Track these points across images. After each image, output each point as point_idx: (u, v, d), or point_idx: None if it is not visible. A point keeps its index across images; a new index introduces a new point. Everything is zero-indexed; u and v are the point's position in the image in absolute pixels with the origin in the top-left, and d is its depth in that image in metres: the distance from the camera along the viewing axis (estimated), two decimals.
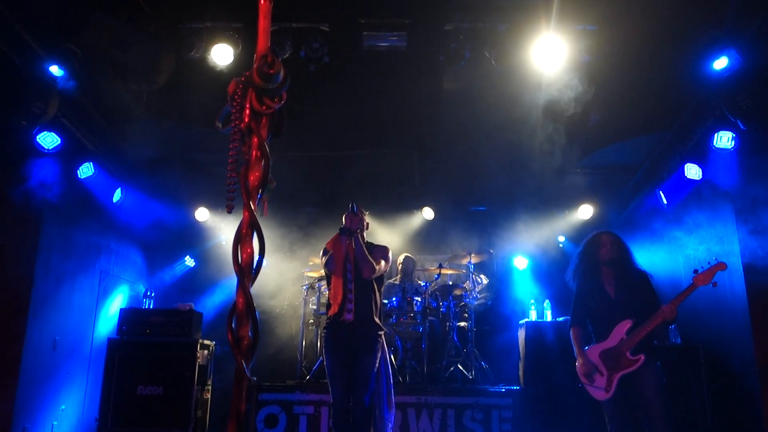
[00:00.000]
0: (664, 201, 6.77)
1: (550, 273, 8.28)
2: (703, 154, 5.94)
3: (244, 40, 5.81)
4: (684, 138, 6.35)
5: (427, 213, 8.77)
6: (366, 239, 4.71)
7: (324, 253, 4.64)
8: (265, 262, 1.50)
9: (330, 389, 4.34)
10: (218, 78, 5.81)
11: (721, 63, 5.30)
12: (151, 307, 6.97)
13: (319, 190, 8.30)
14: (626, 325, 4.12)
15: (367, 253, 4.53)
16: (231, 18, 5.82)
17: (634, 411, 4.12)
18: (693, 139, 6.17)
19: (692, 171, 6.13)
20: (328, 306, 4.58)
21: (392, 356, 6.52)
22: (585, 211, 8.31)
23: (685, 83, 5.94)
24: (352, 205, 4.60)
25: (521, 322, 6.34)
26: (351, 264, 4.46)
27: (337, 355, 4.37)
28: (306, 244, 7.98)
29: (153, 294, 7.24)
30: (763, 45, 5.18)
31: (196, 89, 6.01)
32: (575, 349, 4.34)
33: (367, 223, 4.78)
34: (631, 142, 7.28)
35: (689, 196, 6.44)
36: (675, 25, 5.39)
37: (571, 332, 4.41)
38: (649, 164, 7.30)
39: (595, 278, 4.41)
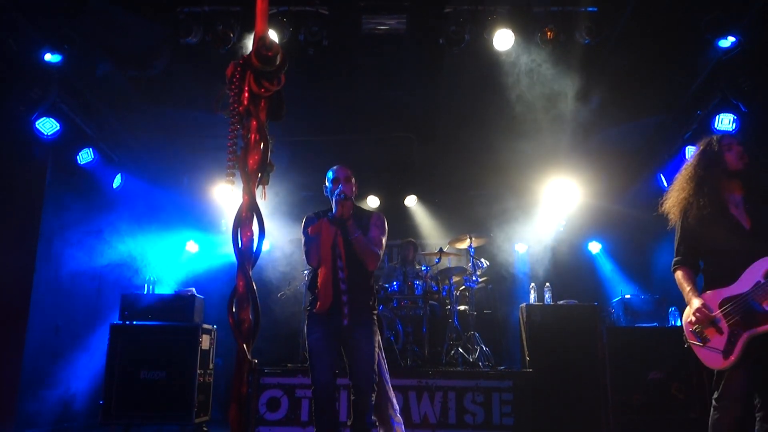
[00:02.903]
0: (665, 184, 6.76)
1: (550, 257, 8.30)
2: (704, 137, 5.91)
3: (243, 23, 5.77)
4: (685, 121, 6.33)
5: (410, 200, 9.09)
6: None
7: (305, 241, 3.73)
8: (265, 245, 1.50)
9: (312, 372, 3.58)
10: (217, 62, 5.78)
11: (724, 44, 5.27)
12: (153, 292, 7.00)
13: (317, 175, 8.29)
14: (766, 263, 2.93)
15: (366, 242, 3.69)
16: (229, 1, 5.77)
17: (760, 389, 2.93)
18: (694, 121, 6.15)
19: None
20: (313, 300, 3.72)
21: (393, 339, 6.55)
22: (585, 195, 8.30)
23: (687, 66, 5.92)
24: (341, 193, 3.65)
25: (522, 305, 6.36)
26: (342, 259, 3.63)
27: (325, 340, 3.60)
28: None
29: (155, 279, 7.26)
30: (765, 27, 5.14)
31: (194, 74, 5.99)
32: (686, 290, 3.18)
33: (356, 186, 3.88)
34: (632, 124, 7.26)
35: None
36: (677, 7, 5.35)
37: (676, 274, 3.28)
38: (651, 147, 7.28)
39: (717, 200, 3.17)
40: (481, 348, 6.62)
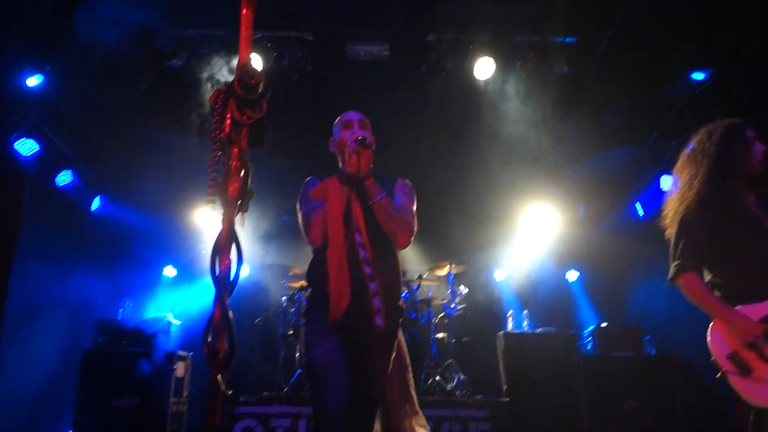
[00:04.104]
0: (641, 212, 6.87)
1: (529, 284, 8.34)
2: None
3: (227, 47, 5.80)
4: (660, 151, 6.45)
5: None
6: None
7: (304, 211, 2.77)
8: (243, 273, 1.49)
9: (319, 400, 2.46)
10: (200, 85, 5.79)
11: (698, 77, 5.42)
12: (129, 317, 6.88)
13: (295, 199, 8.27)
14: None
15: (395, 207, 2.74)
16: (214, 25, 5.81)
17: None
18: (670, 151, 6.28)
19: (668, 183, 6.23)
20: (316, 301, 2.67)
21: None
22: (563, 223, 8.38)
23: (663, 97, 6.05)
24: (359, 139, 2.72)
25: (499, 333, 6.36)
26: (362, 233, 2.60)
27: (340, 353, 2.54)
28: (285, 254, 7.94)
29: (131, 304, 7.15)
30: (738, 61, 5.29)
31: (177, 96, 5.99)
32: (710, 302, 2.62)
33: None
34: (610, 152, 7.39)
35: None
36: (652, 40, 5.48)
37: (684, 280, 2.68)
38: (627, 176, 7.40)
39: (735, 198, 2.72)
40: (459, 377, 6.60)
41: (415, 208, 2.94)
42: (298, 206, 2.86)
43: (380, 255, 2.64)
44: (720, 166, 2.74)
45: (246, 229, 1.52)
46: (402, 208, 2.80)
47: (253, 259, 7.92)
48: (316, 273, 2.69)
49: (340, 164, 2.99)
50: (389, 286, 2.66)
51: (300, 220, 2.80)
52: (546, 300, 8.40)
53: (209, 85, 5.72)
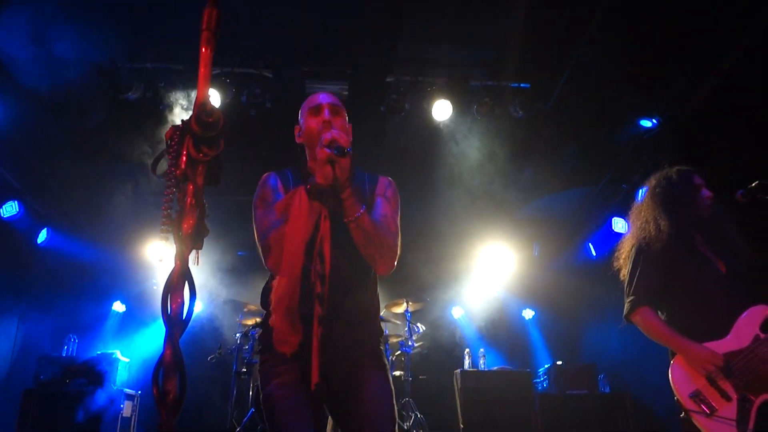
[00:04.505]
0: (593, 252, 7.03)
1: (485, 322, 8.39)
2: (629, 208, 6.24)
3: (185, 82, 5.77)
4: (611, 193, 6.66)
5: None
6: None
7: (259, 221, 2.33)
8: (196, 309, 1.46)
9: None
10: (156, 118, 5.73)
11: (646, 124, 5.66)
12: (74, 354, 6.61)
13: (252, 234, 8.19)
14: (761, 313, 2.60)
15: (377, 225, 2.23)
16: (173, 60, 5.78)
17: None
18: (620, 194, 6.48)
19: (619, 225, 6.41)
20: (268, 329, 2.21)
21: None
22: (519, 262, 8.51)
23: (613, 141, 6.28)
24: (334, 142, 2.10)
25: (456, 371, 6.35)
26: (323, 261, 1.95)
27: (297, 386, 2.15)
28: (240, 290, 7.81)
29: (77, 340, 6.88)
30: (682, 109, 5.55)
31: (132, 129, 5.91)
32: (668, 336, 2.64)
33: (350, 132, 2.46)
34: (563, 194, 7.58)
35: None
36: (603, 87, 5.71)
37: (639, 316, 2.73)
38: (580, 217, 7.59)
39: (687, 236, 2.81)
40: (416, 415, 6.53)
41: (399, 218, 2.40)
42: (254, 210, 2.39)
43: (346, 287, 2.20)
44: (671, 212, 2.88)
45: (201, 264, 1.49)
46: (383, 223, 2.26)
47: (207, 295, 7.75)
48: (267, 300, 2.23)
49: (309, 161, 2.41)
50: (350, 331, 2.21)
51: (255, 231, 2.33)
52: (503, 338, 8.45)
53: (166, 118, 5.67)
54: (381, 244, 2.22)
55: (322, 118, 2.37)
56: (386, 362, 2.35)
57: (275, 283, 2.15)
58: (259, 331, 2.41)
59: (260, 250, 2.28)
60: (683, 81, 5.41)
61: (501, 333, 8.54)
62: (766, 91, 5.07)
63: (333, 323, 2.11)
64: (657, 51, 5.29)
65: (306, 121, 2.44)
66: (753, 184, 2.69)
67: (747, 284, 2.74)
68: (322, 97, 2.46)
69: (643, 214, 2.99)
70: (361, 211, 2.17)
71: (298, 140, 2.52)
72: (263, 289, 2.40)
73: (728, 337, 2.60)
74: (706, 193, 2.92)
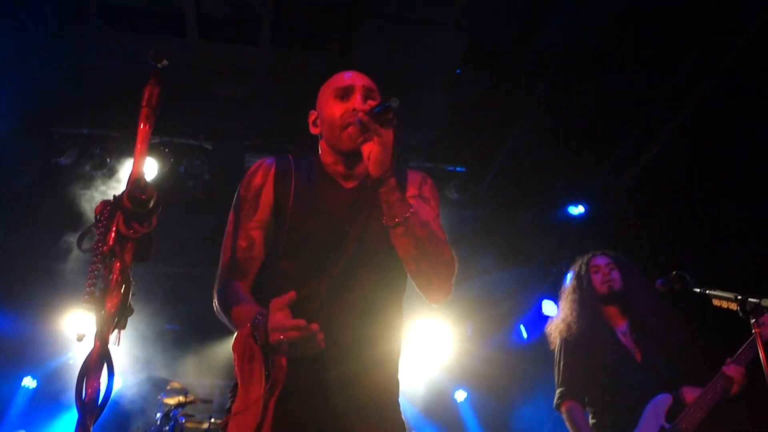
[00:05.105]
0: (525, 334, 7.13)
1: (417, 403, 8.26)
2: (558, 291, 6.42)
3: (122, 149, 5.67)
4: (542, 276, 6.84)
5: None
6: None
7: (226, 243, 1.79)
8: (114, 386, 1.38)
9: None
10: (88, 185, 5.57)
11: (575, 211, 5.92)
12: None
13: (184, 307, 7.92)
14: (664, 403, 2.67)
15: (433, 231, 1.70)
16: (110, 126, 5.69)
17: None
18: (550, 277, 6.67)
19: (549, 307, 6.55)
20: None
21: None
22: (453, 341, 8.49)
23: (543, 226, 6.51)
24: (382, 110, 1.56)
25: None
26: (355, 276, 1.67)
27: None
28: (164, 366, 7.45)
29: None
30: (607, 197, 5.86)
31: (60, 194, 5.71)
32: None
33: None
34: (497, 275, 7.72)
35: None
36: (534, 173, 5.97)
37: (565, 409, 2.82)
38: (513, 298, 7.73)
39: (603, 326, 2.90)
40: None
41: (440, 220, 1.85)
42: (232, 215, 1.85)
43: (371, 310, 1.68)
44: (582, 303, 3.01)
45: (124, 335, 1.42)
46: (433, 231, 1.69)
47: (128, 369, 7.34)
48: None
49: (324, 157, 1.89)
50: (371, 365, 1.68)
51: (225, 242, 1.79)
52: (434, 420, 8.31)
53: (98, 185, 5.52)
54: (438, 258, 1.67)
55: (352, 104, 1.77)
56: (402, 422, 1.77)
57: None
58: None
59: (225, 253, 1.79)
60: (607, 170, 5.74)
61: (433, 415, 8.40)
62: (683, 181, 5.44)
63: (361, 349, 1.68)
64: (583, 141, 5.62)
65: (328, 105, 1.85)
66: (671, 274, 2.82)
67: (660, 373, 2.84)
68: (355, 77, 1.83)
69: (565, 303, 3.11)
70: (412, 210, 1.59)
71: (313, 130, 1.96)
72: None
73: (637, 428, 2.67)
74: (602, 272, 3.06)
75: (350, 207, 1.77)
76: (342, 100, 1.82)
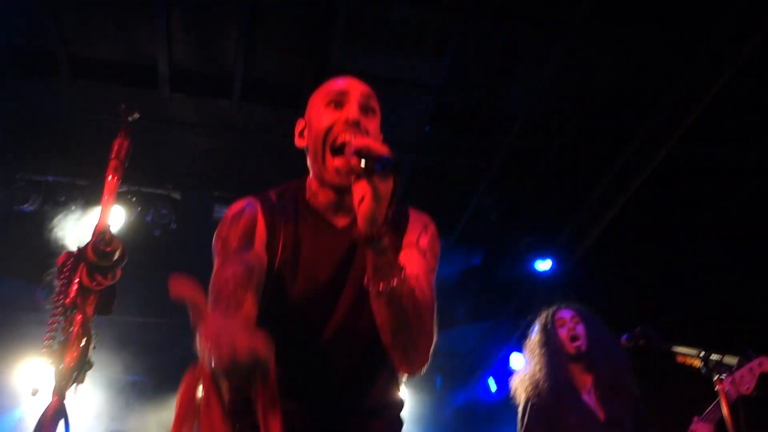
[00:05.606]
0: (494, 388, 7.08)
1: None
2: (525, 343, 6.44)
3: (87, 197, 5.59)
4: (510, 329, 6.86)
5: None
6: None
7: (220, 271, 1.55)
8: None
9: None
10: (50, 234, 5.46)
11: (542, 265, 6.00)
12: None
13: (149, 358, 7.69)
14: None
15: (418, 298, 1.42)
16: (76, 175, 5.63)
17: None
18: (518, 329, 6.68)
19: (516, 360, 6.53)
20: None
21: None
22: (421, 394, 8.38)
23: (511, 279, 6.57)
24: (376, 157, 1.29)
25: None
26: (346, 339, 1.56)
27: None
28: (125, 419, 7.16)
29: None
30: (572, 253, 5.97)
31: (22, 242, 5.58)
32: None
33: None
34: (464, 328, 7.70)
35: None
36: (501, 229, 6.05)
37: None
38: (480, 351, 7.71)
39: (567, 383, 2.87)
40: None
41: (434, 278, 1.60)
42: (213, 253, 1.68)
43: (358, 377, 1.56)
44: (551, 353, 2.97)
45: (84, 387, 1.37)
46: (419, 293, 1.44)
47: (87, 423, 7.03)
48: None
49: (311, 184, 1.69)
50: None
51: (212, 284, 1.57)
52: None
53: (60, 234, 5.41)
54: (419, 330, 1.44)
55: (346, 114, 1.55)
56: None
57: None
58: None
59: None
60: (574, 226, 5.86)
61: None
62: (648, 237, 5.58)
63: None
64: (549, 198, 5.75)
65: (318, 113, 1.61)
66: (636, 330, 2.85)
67: (626, 430, 2.78)
68: (351, 82, 1.62)
69: (533, 358, 3.05)
70: (401, 277, 1.36)
71: (298, 142, 1.72)
72: None
73: None
74: (567, 327, 3.01)
75: (342, 261, 1.56)
76: (335, 108, 1.59)
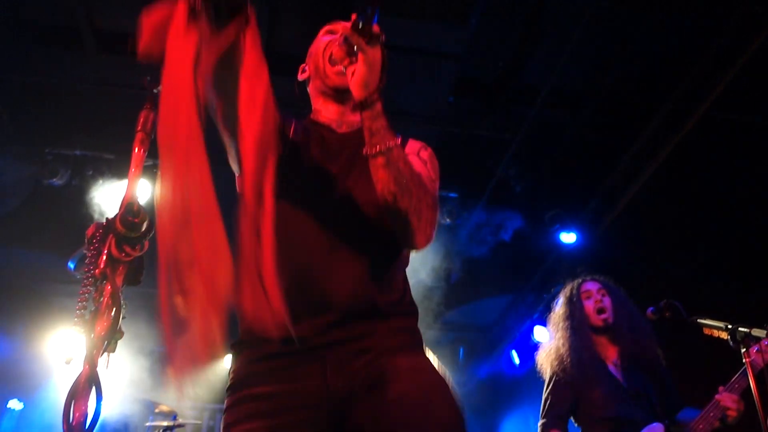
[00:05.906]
0: (517, 360, 7.11)
1: None
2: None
3: (114, 171, 5.66)
4: (533, 302, 6.85)
5: None
6: None
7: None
8: (103, 412, 1.37)
9: None
10: (79, 207, 5.55)
11: (567, 238, 5.95)
12: None
13: None
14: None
15: (415, 171, 1.48)
16: (103, 148, 5.69)
17: None
18: (541, 303, 6.67)
19: (540, 333, 6.54)
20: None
21: None
22: (445, 366, 8.45)
23: (535, 252, 6.54)
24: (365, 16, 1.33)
25: None
26: (335, 191, 1.58)
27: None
28: (153, 388, 7.34)
29: None
30: (597, 225, 5.90)
31: (51, 215, 5.69)
32: None
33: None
34: (487, 300, 7.72)
35: None
36: (525, 201, 6.01)
37: None
38: (503, 323, 7.72)
39: (593, 356, 2.88)
40: None
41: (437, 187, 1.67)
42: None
43: (357, 245, 1.54)
44: (577, 325, 2.96)
45: (113, 356, 1.41)
46: (421, 175, 1.52)
47: (116, 391, 7.24)
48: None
49: (314, 103, 1.82)
50: (366, 303, 1.53)
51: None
52: None
53: (89, 207, 5.50)
54: (420, 197, 1.45)
55: (340, 33, 1.55)
56: (422, 350, 1.74)
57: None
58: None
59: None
60: (600, 198, 5.79)
61: None
62: (674, 209, 5.49)
63: (353, 283, 1.52)
64: (574, 170, 5.67)
65: (316, 40, 1.79)
66: (662, 302, 2.83)
67: (652, 402, 2.79)
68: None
69: (558, 330, 3.05)
70: (397, 141, 1.44)
71: (300, 77, 1.86)
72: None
73: None
74: (594, 299, 3.00)
75: (347, 157, 1.63)
76: (332, 35, 1.76)
